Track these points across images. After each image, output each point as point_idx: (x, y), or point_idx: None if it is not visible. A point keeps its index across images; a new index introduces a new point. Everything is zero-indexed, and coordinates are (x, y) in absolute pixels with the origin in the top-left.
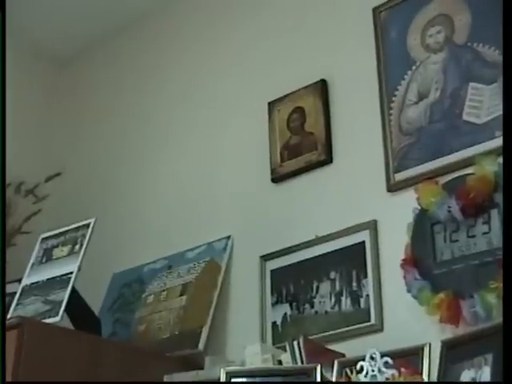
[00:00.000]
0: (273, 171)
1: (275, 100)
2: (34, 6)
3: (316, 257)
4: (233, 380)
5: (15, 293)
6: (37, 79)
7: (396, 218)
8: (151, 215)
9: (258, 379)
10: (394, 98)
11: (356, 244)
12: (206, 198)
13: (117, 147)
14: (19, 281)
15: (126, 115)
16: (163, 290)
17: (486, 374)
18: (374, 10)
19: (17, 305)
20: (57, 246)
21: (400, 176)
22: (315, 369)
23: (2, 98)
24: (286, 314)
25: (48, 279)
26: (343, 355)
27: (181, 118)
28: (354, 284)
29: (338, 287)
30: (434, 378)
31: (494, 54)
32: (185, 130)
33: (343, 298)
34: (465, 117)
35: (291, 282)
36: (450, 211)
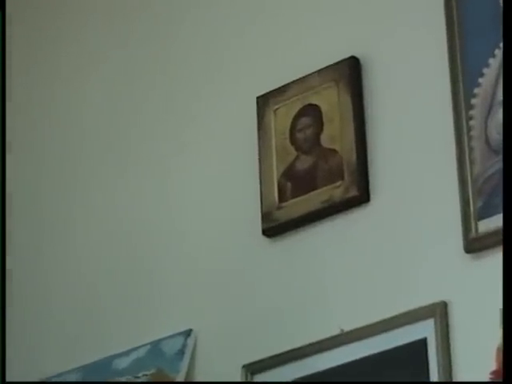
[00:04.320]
0: (265, 217)
1: (269, 93)
2: None
3: (342, 366)
4: None
5: None
6: None
7: (480, 298)
8: (54, 296)
9: None
10: (476, 90)
11: (411, 344)
12: (152, 266)
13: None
14: None
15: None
16: None
17: None
18: None
19: None
20: None
21: (486, 225)
22: None
23: (2, 98)
24: None
25: None
26: None
27: (111, 131)
28: None
29: None
30: None
31: None
32: (115, 147)
33: None
34: None
35: None
36: None
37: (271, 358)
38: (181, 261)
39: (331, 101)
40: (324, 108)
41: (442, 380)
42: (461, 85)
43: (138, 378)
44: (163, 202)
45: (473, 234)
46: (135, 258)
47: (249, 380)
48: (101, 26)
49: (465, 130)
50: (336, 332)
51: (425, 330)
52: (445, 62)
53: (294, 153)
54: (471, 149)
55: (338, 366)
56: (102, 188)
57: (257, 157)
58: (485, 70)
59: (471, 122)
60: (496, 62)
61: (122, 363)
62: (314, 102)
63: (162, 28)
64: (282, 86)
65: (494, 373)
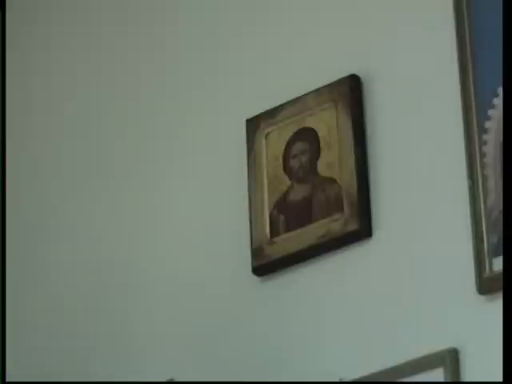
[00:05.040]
0: (256, 254)
1: (260, 115)
2: None
3: None
4: None
5: None
6: None
7: (495, 345)
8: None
9: None
10: (490, 113)
11: None
12: (130, 308)
13: None
14: None
15: None
16: None
17: None
18: None
19: None
20: None
21: (501, 264)
22: None
23: (2, 98)
24: None
25: None
26: None
27: (81, 157)
28: None
29: None
30: None
31: None
32: (86, 179)
33: None
34: None
35: None
36: None
37: None
38: (162, 303)
39: (329, 124)
40: (321, 132)
41: None
42: (473, 107)
43: None
44: (145, 238)
45: (487, 272)
46: (113, 301)
47: None
48: (84, 29)
49: (478, 156)
50: (335, 381)
51: (434, 380)
52: (455, 80)
53: (287, 182)
54: (485, 177)
55: None
56: (90, 219)
57: (246, 186)
58: (500, 90)
59: (485, 148)
60: None
61: None
62: (309, 125)
63: (146, 47)
64: (275, 108)
65: None
